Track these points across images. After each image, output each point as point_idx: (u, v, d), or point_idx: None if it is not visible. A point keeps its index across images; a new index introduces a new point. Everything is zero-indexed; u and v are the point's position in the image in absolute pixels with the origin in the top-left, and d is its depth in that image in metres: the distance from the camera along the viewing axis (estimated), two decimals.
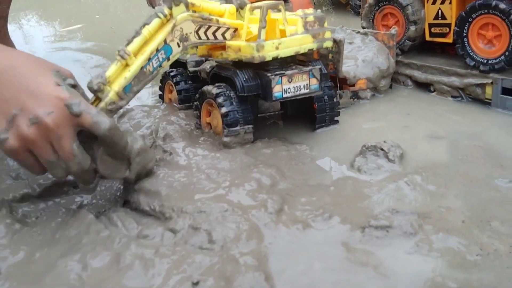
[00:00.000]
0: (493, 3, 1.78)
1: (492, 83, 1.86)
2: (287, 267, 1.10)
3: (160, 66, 1.47)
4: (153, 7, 2.01)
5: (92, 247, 1.17)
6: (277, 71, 1.62)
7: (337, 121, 1.88)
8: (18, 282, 1.08)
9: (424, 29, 2.10)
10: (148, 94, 2.44)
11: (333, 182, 1.48)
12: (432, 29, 2.07)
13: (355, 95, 2.05)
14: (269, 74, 1.59)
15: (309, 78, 1.65)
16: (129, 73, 1.40)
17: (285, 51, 1.61)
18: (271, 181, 1.45)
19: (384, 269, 1.09)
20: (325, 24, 1.72)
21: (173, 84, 2.03)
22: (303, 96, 1.67)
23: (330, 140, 1.77)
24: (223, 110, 1.63)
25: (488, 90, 1.87)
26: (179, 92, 1.99)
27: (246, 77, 1.63)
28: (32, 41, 3.48)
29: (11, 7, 2.42)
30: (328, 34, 1.71)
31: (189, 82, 2.00)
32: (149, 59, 1.44)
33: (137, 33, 1.43)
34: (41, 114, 1.17)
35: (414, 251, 1.14)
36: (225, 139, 1.65)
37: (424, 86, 2.11)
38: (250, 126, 1.67)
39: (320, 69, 1.67)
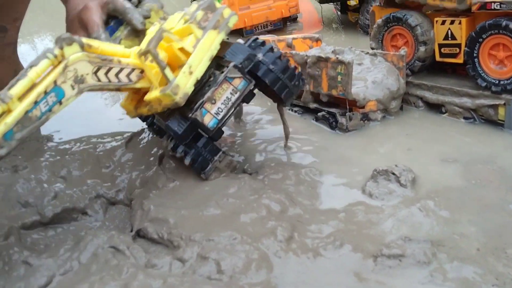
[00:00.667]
0: (504, 23, 1.77)
1: (504, 104, 1.84)
2: None
3: (50, 110, 1.31)
4: None
5: (100, 276, 1.17)
6: (197, 99, 1.49)
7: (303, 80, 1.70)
8: None
9: (434, 50, 2.10)
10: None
11: (344, 208, 1.47)
12: (442, 50, 2.07)
13: (365, 117, 2.04)
14: (190, 114, 1.48)
15: (230, 83, 1.50)
16: (11, 118, 1.24)
17: (200, 69, 1.45)
18: (280, 207, 1.44)
19: None
20: (217, 4, 1.54)
21: None
22: (240, 100, 1.53)
23: (340, 163, 1.76)
24: (186, 161, 1.56)
25: (501, 111, 1.86)
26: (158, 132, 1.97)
27: (176, 123, 1.51)
28: None
29: (24, 31, 2.43)
30: (226, 12, 1.51)
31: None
32: (36, 103, 1.28)
33: (22, 75, 1.29)
34: None
35: (428, 281, 1.12)
36: (209, 177, 1.60)
37: (436, 107, 2.10)
38: (220, 153, 1.59)
39: (235, 65, 1.50)
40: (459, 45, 2.00)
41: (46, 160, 1.89)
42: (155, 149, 1.87)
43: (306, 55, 2.09)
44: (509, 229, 1.31)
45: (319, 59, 2.05)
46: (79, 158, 1.89)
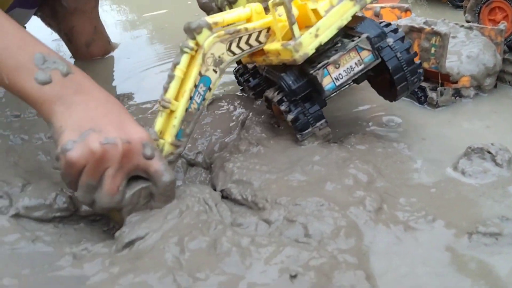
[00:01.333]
0: None
1: None
2: (389, 268, 1.09)
3: (203, 99, 1.43)
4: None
5: (189, 230, 1.21)
6: (319, 60, 1.51)
7: (419, 81, 1.64)
8: (119, 261, 1.14)
9: None
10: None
11: (435, 184, 1.44)
12: None
13: (457, 93, 1.98)
14: (311, 71, 1.49)
15: (358, 53, 1.51)
16: (176, 119, 1.38)
17: (326, 34, 1.46)
18: (368, 178, 1.44)
19: (494, 278, 1.06)
20: None
21: (244, 86, 2.07)
22: (361, 73, 1.53)
23: (429, 139, 1.72)
24: (289, 117, 1.57)
25: None
26: (252, 88, 2.02)
27: (292, 78, 1.54)
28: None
29: None
30: None
31: (258, 76, 2.01)
32: (191, 98, 1.40)
33: (171, 77, 1.39)
34: (117, 139, 1.20)
35: None
36: (304, 143, 1.61)
37: None
38: (323, 121, 1.60)
39: (368, 37, 1.50)
40: None
41: None
42: (237, 114, 1.90)
43: (398, 25, 2.04)
44: None
45: (411, 29, 1.99)
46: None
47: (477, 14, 2.20)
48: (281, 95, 1.60)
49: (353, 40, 1.51)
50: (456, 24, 2.19)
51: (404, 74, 1.58)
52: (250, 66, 2.03)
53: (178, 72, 1.39)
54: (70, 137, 1.18)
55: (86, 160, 1.18)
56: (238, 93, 2.24)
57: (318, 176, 1.43)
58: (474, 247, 1.15)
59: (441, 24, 2.20)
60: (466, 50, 2.02)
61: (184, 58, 1.40)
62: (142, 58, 2.93)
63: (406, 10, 2.51)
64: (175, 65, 1.40)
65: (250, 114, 1.87)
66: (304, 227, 1.22)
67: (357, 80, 1.62)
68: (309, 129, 1.59)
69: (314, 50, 1.45)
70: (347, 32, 1.57)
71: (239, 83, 2.22)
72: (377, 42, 1.53)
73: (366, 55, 1.51)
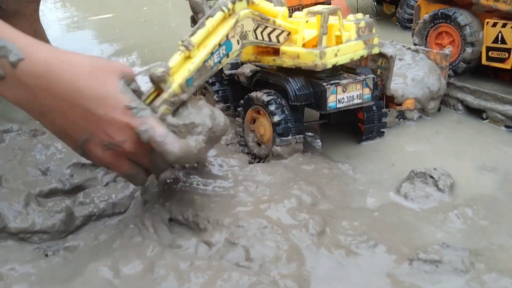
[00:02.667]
0: None
1: None
2: None
3: (219, 62, 1.48)
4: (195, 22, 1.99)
5: (124, 253, 1.18)
6: (330, 79, 1.65)
7: (383, 133, 1.91)
8: (48, 284, 1.10)
9: (481, 52, 2.09)
10: None
11: (377, 208, 1.48)
12: (490, 53, 2.06)
13: (401, 115, 2.05)
14: (324, 84, 1.62)
15: (362, 88, 1.68)
16: (193, 65, 1.40)
17: (342, 58, 1.64)
18: (312, 199, 1.46)
19: None
20: (373, 31, 1.76)
21: (207, 86, 2.05)
22: (356, 107, 1.70)
23: (373, 161, 1.77)
24: (275, 118, 1.65)
25: None
26: (215, 92, 2.00)
27: (299, 85, 1.65)
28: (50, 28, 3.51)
29: None
30: (376, 40, 1.75)
31: (225, 82, 2.01)
32: (211, 53, 1.45)
33: (201, 25, 1.45)
34: (115, 142, 1.22)
35: None
36: (277, 148, 1.67)
37: (476, 112, 2.09)
38: (301, 136, 1.70)
39: (373, 78, 1.70)
40: (508, 50, 1.99)
41: None
42: None
43: None
44: None
45: None
46: None
47: (424, 38, 2.28)
48: (272, 97, 1.67)
49: (360, 75, 1.71)
50: (404, 46, 2.27)
51: (374, 126, 1.86)
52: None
53: (209, 24, 1.45)
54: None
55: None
56: None
57: (262, 197, 1.43)
58: (414, 274, 1.18)
59: (389, 46, 2.27)
60: (412, 72, 2.09)
61: (219, 15, 1.47)
62: None
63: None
64: (209, 16, 1.46)
65: None
66: (246, 250, 1.21)
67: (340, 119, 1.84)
68: (289, 137, 1.67)
69: (331, 66, 1.61)
70: (349, 71, 1.76)
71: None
72: (376, 87, 1.74)
73: (367, 93, 1.70)
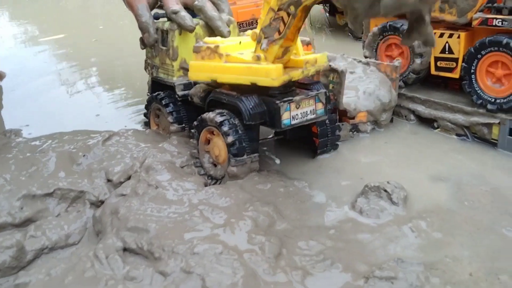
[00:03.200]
0: (504, 41, 1.81)
1: (499, 123, 1.89)
2: None
3: None
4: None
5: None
6: (283, 96, 1.65)
7: (337, 145, 1.94)
8: None
9: (430, 63, 2.14)
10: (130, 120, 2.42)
11: (334, 224, 1.49)
12: (438, 63, 2.11)
13: (355, 128, 2.07)
14: (277, 101, 1.62)
15: (315, 103, 1.70)
16: None
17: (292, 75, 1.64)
18: (268, 221, 1.46)
19: None
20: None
21: (161, 108, 2.03)
22: (310, 122, 1.72)
23: (329, 175, 1.78)
24: (229, 139, 1.64)
25: (495, 130, 1.91)
26: (170, 113, 1.99)
27: (253, 104, 1.65)
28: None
29: None
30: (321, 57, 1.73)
31: (179, 103, 2.00)
32: None
33: None
34: None
35: None
36: (232, 169, 1.66)
37: (428, 122, 2.14)
38: (256, 154, 1.70)
39: (325, 93, 1.72)
40: (456, 60, 2.04)
41: (14, 157, 1.86)
42: (136, 152, 1.85)
43: None
44: (502, 253, 1.35)
45: None
46: (51, 156, 1.86)
47: (374, 50, 2.32)
48: (225, 117, 1.67)
49: (312, 91, 1.71)
50: (355, 59, 2.30)
51: (327, 140, 1.88)
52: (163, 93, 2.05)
53: None
54: None
55: None
56: (140, 128, 2.20)
57: (218, 221, 1.42)
58: None
59: (340, 59, 2.30)
60: (363, 85, 2.12)
61: None
62: (31, 89, 2.80)
63: (308, 44, 2.59)
64: None
65: (152, 152, 1.84)
66: (202, 279, 1.20)
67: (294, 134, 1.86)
68: (244, 157, 1.66)
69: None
70: (301, 86, 1.76)
71: (146, 114, 2.18)
72: (328, 102, 1.76)
73: (320, 108, 1.71)
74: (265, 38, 1.56)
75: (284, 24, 1.52)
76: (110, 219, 1.52)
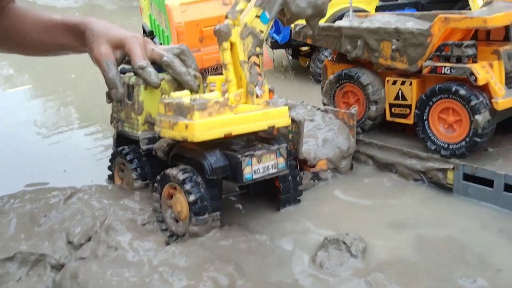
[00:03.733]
0: (454, 89, 1.85)
1: (453, 168, 1.91)
2: None
3: None
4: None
5: None
6: (244, 151, 1.65)
7: (299, 201, 1.92)
8: None
9: (385, 109, 2.17)
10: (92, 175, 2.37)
11: (294, 281, 1.47)
12: (393, 109, 2.14)
13: (316, 176, 2.07)
14: (239, 156, 1.62)
15: (276, 157, 1.70)
16: None
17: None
18: (228, 280, 1.43)
19: None
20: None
21: (125, 163, 2.00)
22: (271, 176, 1.71)
23: (290, 228, 1.76)
24: (191, 198, 1.62)
25: (450, 175, 1.93)
26: (134, 169, 1.96)
27: (215, 158, 1.63)
28: None
29: None
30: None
31: (143, 159, 1.97)
32: None
33: None
34: None
35: None
36: (193, 228, 1.64)
37: (386, 167, 2.15)
38: (218, 213, 1.68)
39: (287, 147, 1.72)
40: (409, 106, 2.07)
41: None
42: (97, 210, 1.82)
43: None
44: None
45: None
46: (12, 217, 1.82)
47: (332, 97, 2.34)
48: (187, 174, 1.64)
49: (273, 145, 1.72)
50: (314, 107, 2.32)
51: (290, 196, 1.88)
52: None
53: None
54: None
55: None
56: (103, 183, 2.16)
57: (178, 284, 1.40)
58: None
59: (300, 107, 2.32)
60: (322, 133, 2.14)
61: None
62: None
63: (269, 91, 2.60)
64: None
65: (113, 210, 1.80)
66: None
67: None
68: (206, 215, 1.63)
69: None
70: (263, 140, 1.78)
71: (110, 167, 2.14)
72: (290, 156, 1.76)
73: (281, 162, 1.70)
74: (255, 86, 1.66)
75: (259, 65, 1.69)
76: (70, 284, 1.48)
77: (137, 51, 1.91)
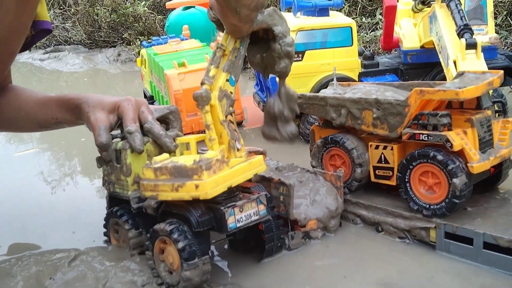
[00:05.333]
0: (431, 154, 1.89)
1: (435, 227, 1.93)
2: None
3: None
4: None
5: None
6: (227, 202, 1.71)
7: (281, 247, 2.00)
8: None
9: (369, 171, 2.20)
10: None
11: None
12: (377, 172, 2.17)
13: (306, 236, 2.08)
14: (222, 207, 1.68)
15: (257, 205, 1.77)
16: None
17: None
18: None
19: None
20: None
21: (118, 220, 2.00)
22: (254, 223, 1.77)
23: (281, 284, 1.76)
24: (180, 245, 1.65)
25: (432, 233, 1.94)
26: (126, 221, 1.96)
27: (200, 212, 1.68)
28: None
29: None
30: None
31: (136, 219, 1.97)
32: None
33: None
34: None
35: None
36: (186, 273, 1.65)
37: (373, 225, 2.16)
38: (207, 256, 1.71)
39: (266, 194, 1.81)
40: (392, 169, 2.10)
41: None
42: (98, 273, 1.81)
43: None
44: None
45: (262, 179, 2.10)
46: (18, 280, 1.81)
47: (320, 160, 2.38)
48: (174, 225, 1.68)
49: (254, 194, 1.80)
50: (303, 169, 2.35)
51: (275, 244, 1.93)
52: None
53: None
54: None
55: None
56: (102, 245, 2.15)
57: None
58: None
59: (290, 169, 2.34)
60: (312, 195, 2.15)
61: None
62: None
63: (261, 154, 2.64)
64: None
65: (114, 272, 1.79)
66: None
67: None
68: (195, 260, 1.65)
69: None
70: (245, 190, 1.85)
71: (105, 233, 2.14)
72: (270, 202, 1.84)
73: (262, 209, 1.78)
74: (235, 141, 1.76)
75: (233, 122, 1.80)
76: None
77: (129, 114, 1.96)
